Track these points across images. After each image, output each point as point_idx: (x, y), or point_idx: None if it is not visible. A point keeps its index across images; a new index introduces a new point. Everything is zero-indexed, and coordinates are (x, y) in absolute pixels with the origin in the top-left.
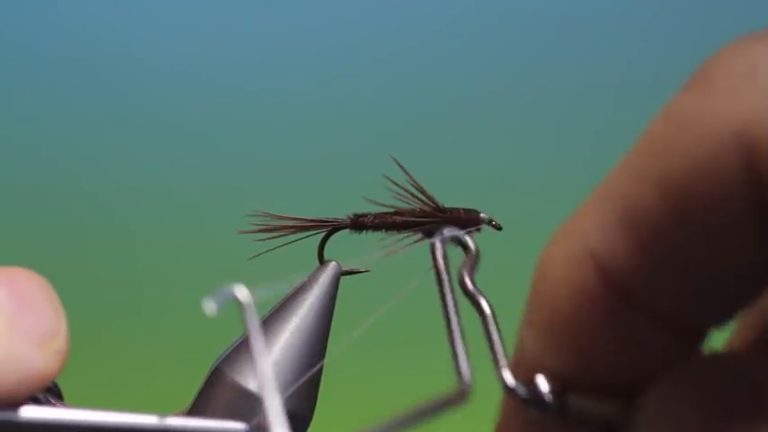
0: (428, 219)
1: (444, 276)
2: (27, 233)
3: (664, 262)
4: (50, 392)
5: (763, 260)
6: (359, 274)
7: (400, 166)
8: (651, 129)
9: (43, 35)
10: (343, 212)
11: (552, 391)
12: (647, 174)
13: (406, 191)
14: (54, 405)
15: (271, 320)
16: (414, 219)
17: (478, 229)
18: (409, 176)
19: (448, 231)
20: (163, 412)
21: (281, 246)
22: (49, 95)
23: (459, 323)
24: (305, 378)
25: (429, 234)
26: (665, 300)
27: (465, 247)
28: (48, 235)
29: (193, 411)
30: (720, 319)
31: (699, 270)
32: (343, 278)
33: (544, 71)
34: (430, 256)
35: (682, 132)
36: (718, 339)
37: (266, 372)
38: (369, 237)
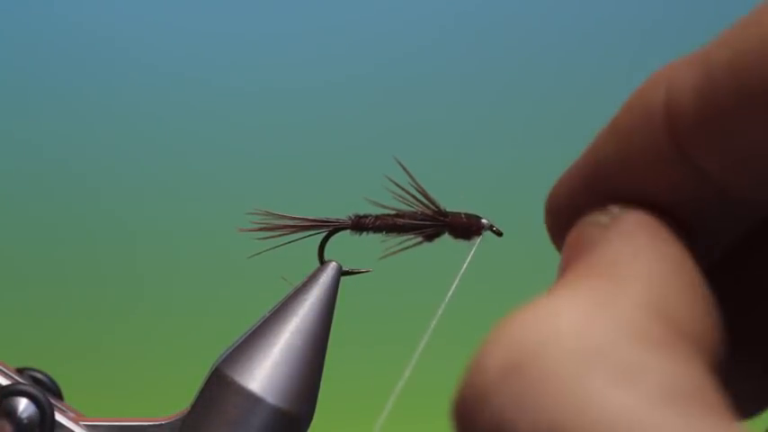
0: (429, 222)
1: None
2: (28, 232)
3: (720, 128)
4: (49, 391)
5: None
6: (359, 275)
7: (403, 168)
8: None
9: (43, 33)
10: (344, 213)
11: None
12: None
13: (408, 193)
14: (53, 403)
15: (271, 320)
16: (415, 222)
17: (480, 235)
18: (412, 178)
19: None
20: (163, 412)
21: (282, 245)
22: (54, 96)
23: None
24: (305, 378)
25: (429, 238)
26: (708, 158)
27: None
28: (49, 235)
29: (194, 412)
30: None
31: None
32: (343, 278)
33: (548, 74)
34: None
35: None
36: None
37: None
38: (369, 238)
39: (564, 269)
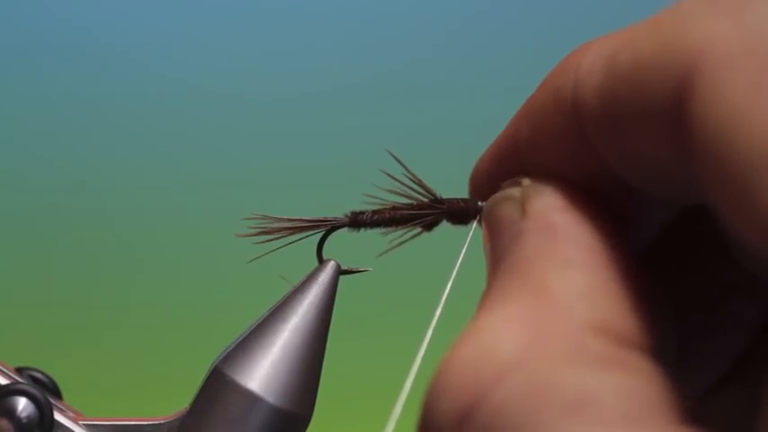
0: (427, 211)
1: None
2: (30, 233)
3: (616, 127)
4: (48, 391)
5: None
6: (358, 274)
7: (397, 160)
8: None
9: (37, 35)
10: (340, 212)
11: None
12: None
13: (404, 184)
14: (52, 402)
15: (271, 320)
16: (412, 212)
17: (478, 219)
18: (406, 169)
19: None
20: (162, 412)
21: (280, 248)
22: (57, 98)
23: None
24: (304, 377)
25: (428, 227)
26: (605, 149)
27: None
28: (50, 236)
29: (193, 411)
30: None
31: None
32: (342, 277)
33: (544, 65)
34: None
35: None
36: None
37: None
38: (368, 236)
39: (490, 259)
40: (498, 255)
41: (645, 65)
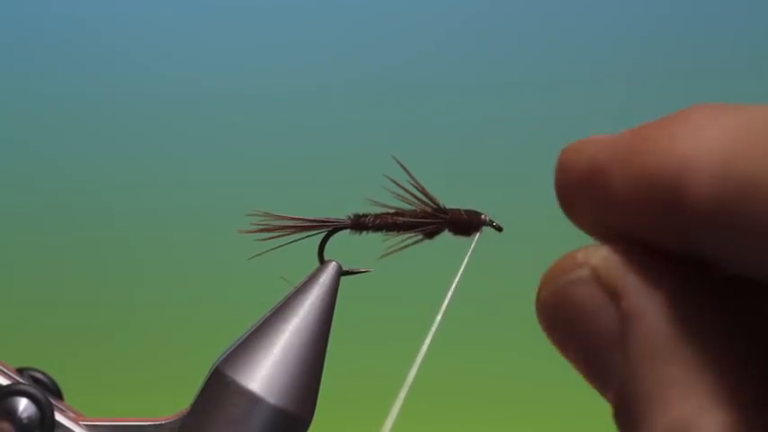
0: (429, 220)
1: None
2: (34, 233)
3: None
4: (49, 391)
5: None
6: (359, 275)
7: (402, 167)
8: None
9: (40, 35)
10: (343, 213)
11: None
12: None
13: (408, 191)
14: (53, 403)
15: (271, 320)
16: (415, 220)
17: (480, 231)
18: (411, 177)
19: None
20: (163, 412)
21: (282, 246)
22: (60, 99)
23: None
24: (305, 378)
25: (430, 235)
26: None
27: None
28: (51, 237)
29: (193, 412)
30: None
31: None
32: (343, 278)
33: (549, 73)
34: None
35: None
36: None
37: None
38: (370, 237)
39: (572, 354)
40: (593, 360)
41: (761, 177)
